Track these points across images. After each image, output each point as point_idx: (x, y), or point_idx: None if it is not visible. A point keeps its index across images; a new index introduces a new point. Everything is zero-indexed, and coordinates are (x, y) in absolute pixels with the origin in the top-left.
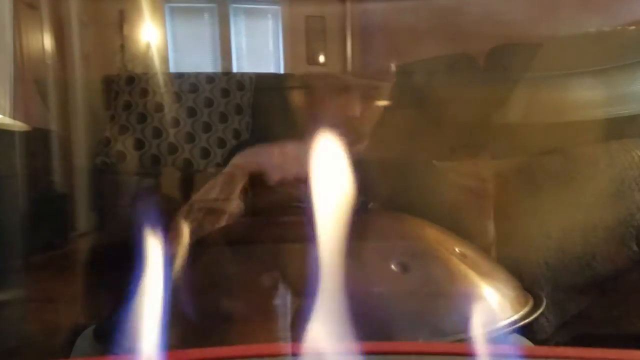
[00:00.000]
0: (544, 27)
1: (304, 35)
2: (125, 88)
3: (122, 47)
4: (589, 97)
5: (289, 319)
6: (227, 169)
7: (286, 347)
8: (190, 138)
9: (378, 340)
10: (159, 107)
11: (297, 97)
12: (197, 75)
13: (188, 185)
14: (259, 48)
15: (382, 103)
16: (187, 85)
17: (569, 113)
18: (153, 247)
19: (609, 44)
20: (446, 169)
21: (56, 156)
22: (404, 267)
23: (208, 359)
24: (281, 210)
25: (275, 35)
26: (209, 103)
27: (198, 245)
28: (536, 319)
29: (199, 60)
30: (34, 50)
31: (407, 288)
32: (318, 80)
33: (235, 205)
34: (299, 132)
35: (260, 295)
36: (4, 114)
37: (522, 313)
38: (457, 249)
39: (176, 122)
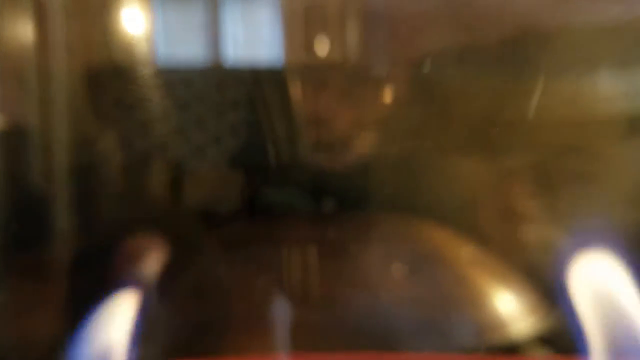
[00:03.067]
0: (561, 16)
1: (303, 24)
2: (111, 81)
3: (108, 37)
4: (609, 92)
5: (285, 328)
6: None
7: (282, 357)
8: (182, 134)
9: (381, 350)
10: (148, 102)
11: (297, 91)
12: (189, 67)
13: (178, 184)
14: (255, 38)
15: (393, 93)
16: (177, 78)
17: (587, 109)
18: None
19: (629, 35)
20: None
21: (37, 154)
22: (409, 272)
23: None
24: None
25: (273, 24)
26: (202, 97)
27: (188, 250)
28: (554, 327)
29: (191, 51)
30: (15, 41)
31: (412, 294)
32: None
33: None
34: (298, 126)
35: (256, 303)
36: None
37: (538, 320)
38: (467, 253)
39: (166, 118)
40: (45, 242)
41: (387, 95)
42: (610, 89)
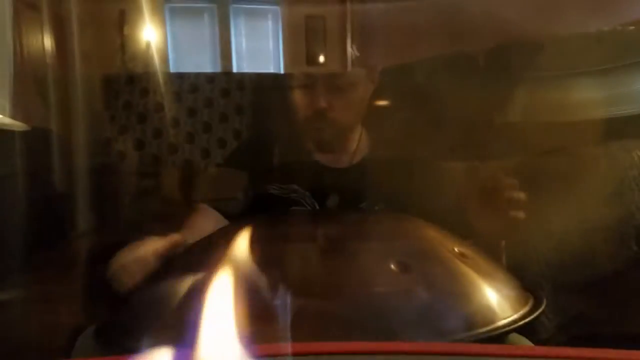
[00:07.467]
0: (545, 26)
1: (304, 36)
2: (125, 88)
3: (122, 46)
4: (590, 97)
5: (288, 319)
6: None
7: (286, 347)
8: (190, 138)
9: (377, 340)
10: (159, 107)
11: (293, 96)
12: (197, 75)
13: (188, 185)
14: (259, 48)
15: (368, 91)
16: (187, 85)
17: (569, 113)
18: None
19: (609, 44)
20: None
21: (56, 156)
22: (404, 267)
23: None
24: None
25: (275, 35)
26: (209, 103)
27: (196, 246)
28: (536, 318)
29: (199, 60)
30: (34, 49)
31: (406, 288)
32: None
33: None
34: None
35: (260, 296)
36: (3, 114)
37: (522, 312)
38: (457, 249)
39: (176, 122)
40: (66, 239)
41: (382, 100)
42: (591, 95)
